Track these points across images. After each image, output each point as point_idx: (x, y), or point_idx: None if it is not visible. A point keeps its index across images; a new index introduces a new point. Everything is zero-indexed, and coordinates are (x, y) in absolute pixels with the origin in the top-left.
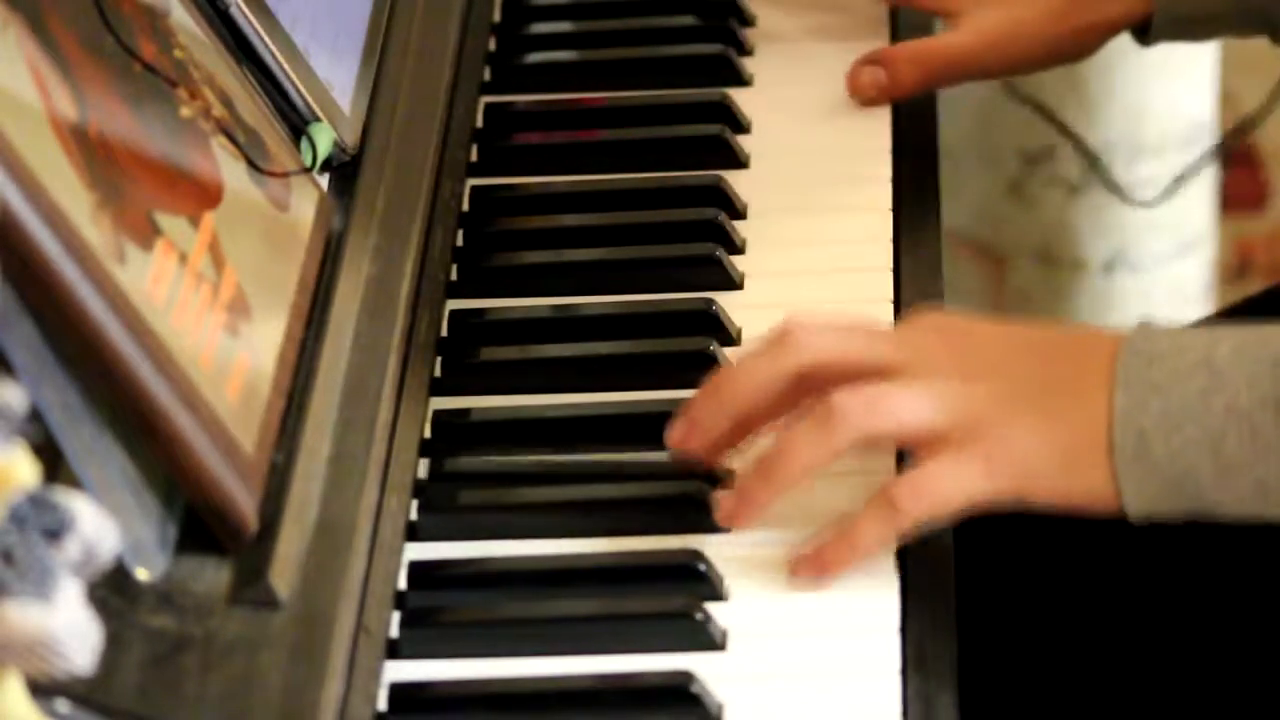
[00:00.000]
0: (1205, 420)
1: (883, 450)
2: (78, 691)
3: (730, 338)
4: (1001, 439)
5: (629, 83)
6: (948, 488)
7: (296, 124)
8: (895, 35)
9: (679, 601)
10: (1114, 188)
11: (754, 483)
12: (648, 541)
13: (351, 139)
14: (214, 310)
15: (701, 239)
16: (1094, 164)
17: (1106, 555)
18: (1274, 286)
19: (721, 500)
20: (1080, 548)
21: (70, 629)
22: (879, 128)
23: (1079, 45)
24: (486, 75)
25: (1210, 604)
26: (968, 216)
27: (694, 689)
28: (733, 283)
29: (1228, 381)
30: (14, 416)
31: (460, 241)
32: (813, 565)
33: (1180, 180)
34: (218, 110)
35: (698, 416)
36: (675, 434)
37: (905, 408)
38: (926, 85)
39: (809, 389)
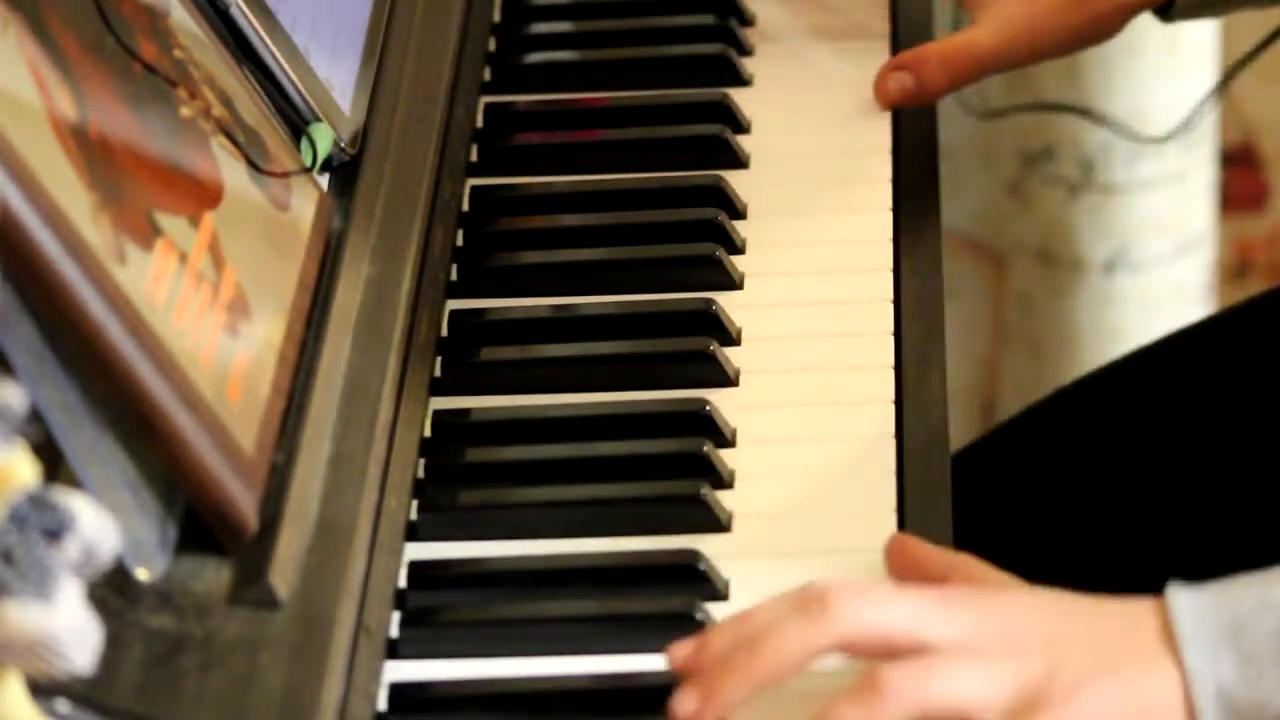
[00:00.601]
0: None
1: None
2: (78, 691)
3: (730, 338)
4: (1073, 709)
5: (629, 83)
6: None
7: (296, 124)
8: (895, 35)
9: (679, 601)
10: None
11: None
12: (648, 541)
13: (351, 139)
14: (214, 310)
15: (701, 239)
16: (1114, 127)
17: (1107, 559)
18: (1274, 287)
19: (682, 695)
20: (1081, 552)
21: (70, 629)
22: (879, 128)
23: (1100, 28)
24: (486, 75)
25: None
26: (968, 216)
27: None
28: (733, 283)
29: None
30: (14, 416)
31: (460, 241)
32: None
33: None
34: (218, 110)
35: (717, 687)
36: (688, 705)
37: (961, 684)
38: (955, 86)
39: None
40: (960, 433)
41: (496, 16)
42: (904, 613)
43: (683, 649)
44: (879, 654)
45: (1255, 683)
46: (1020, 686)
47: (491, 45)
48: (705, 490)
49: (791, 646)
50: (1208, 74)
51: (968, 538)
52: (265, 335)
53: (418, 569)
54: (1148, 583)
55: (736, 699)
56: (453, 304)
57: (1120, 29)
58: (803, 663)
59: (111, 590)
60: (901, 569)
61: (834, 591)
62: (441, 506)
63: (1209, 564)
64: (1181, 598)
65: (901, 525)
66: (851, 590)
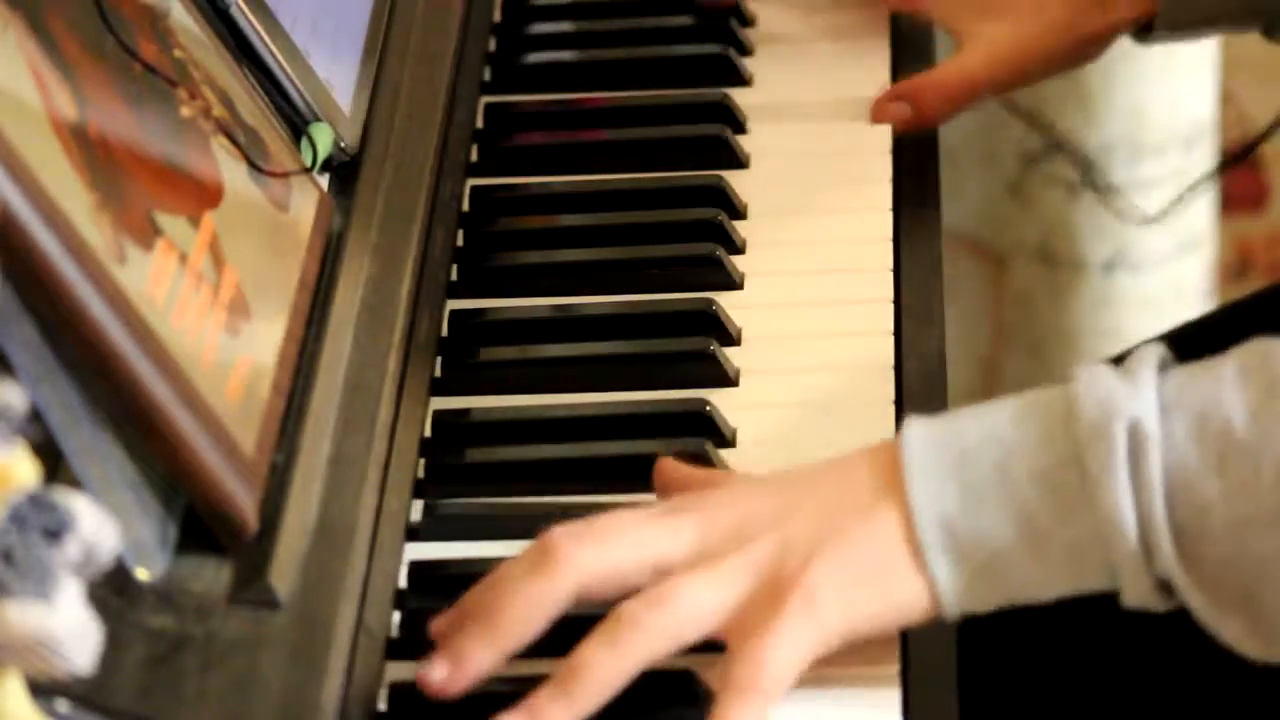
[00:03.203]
0: (1007, 491)
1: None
2: (78, 691)
3: (730, 338)
4: (807, 587)
5: (629, 83)
6: (785, 656)
7: (296, 124)
8: (895, 36)
9: None
10: (1109, 200)
11: (546, 703)
12: None
13: (351, 139)
14: (214, 310)
15: (701, 239)
16: (1087, 173)
17: None
18: (1274, 286)
19: (432, 665)
20: None
21: (70, 629)
22: (879, 128)
23: (1085, 51)
24: (486, 75)
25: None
26: (968, 216)
27: (695, 689)
28: (733, 283)
29: (1021, 448)
30: (14, 416)
31: (460, 241)
32: None
33: (1180, 200)
34: (218, 110)
35: (464, 655)
36: (437, 674)
37: (697, 598)
38: (952, 114)
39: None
40: None
41: (496, 16)
42: (625, 545)
43: (439, 619)
44: (620, 592)
45: (975, 513)
46: (757, 579)
47: (491, 45)
48: None
49: (528, 607)
50: (1208, 74)
51: None
52: (265, 335)
53: (418, 569)
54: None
55: (484, 665)
56: (453, 304)
57: (1105, 51)
58: (544, 619)
59: (111, 590)
60: (663, 492)
61: (560, 541)
62: (441, 506)
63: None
64: (913, 430)
65: None
66: (573, 535)
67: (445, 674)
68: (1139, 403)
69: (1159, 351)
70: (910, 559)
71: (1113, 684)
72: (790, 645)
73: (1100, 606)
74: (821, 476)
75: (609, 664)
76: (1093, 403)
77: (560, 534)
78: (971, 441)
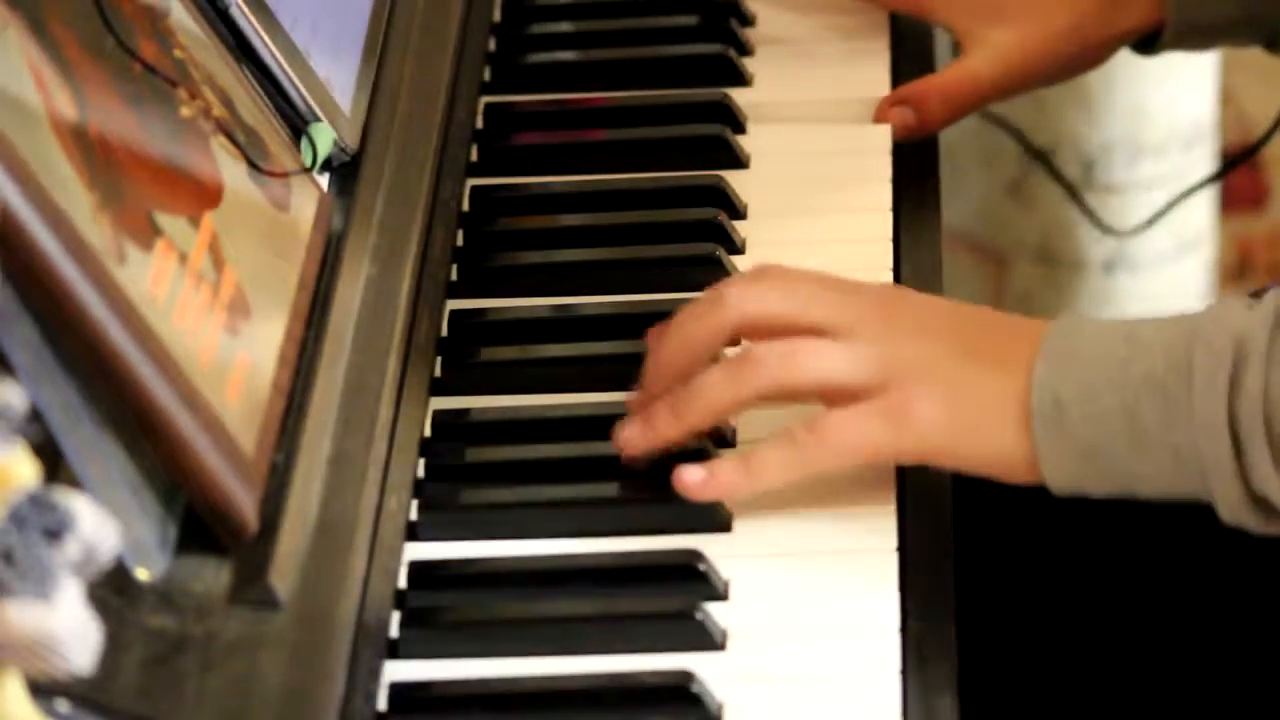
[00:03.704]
0: (1122, 388)
1: (807, 402)
2: (78, 691)
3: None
4: (905, 399)
5: (629, 83)
6: (851, 436)
7: (296, 124)
8: (895, 36)
9: (679, 601)
10: (1092, 216)
11: (662, 416)
12: (648, 541)
13: (351, 139)
14: (214, 310)
15: (701, 239)
16: (1073, 195)
17: (1107, 560)
18: (1274, 282)
19: (624, 425)
20: (1081, 551)
21: (70, 629)
22: (879, 128)
23: (1089, 58)
24: (486, 75)
25: (1210, 613)
26: (968, 216)
27: (694, 688)
28: None
29: (1146, 351)
30: (14, 416)
31: (460, 241)
32: (704, 477)
33: (1159, 215)
34: (218, 110)
35: (649, 385)
36: (626, 432)
37: (821, 362)
38: (954, 119)
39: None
40: None
41: (496, 16)
42: (797, 299)
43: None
44: (770, 335)
45: (1088, 401)
46: (877, 375)
47: (491, 45)
48: None
49: (695, 332)
50: (1208, 74)
51: (968, 529)
52: (265, 335)
53: (418, 569)
54: (1150, 564)
55: (671, 433)
56: (453, 304)
57: (1108, 58)
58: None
59: (111, 590)
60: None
61: (727, 289)
62: (441, 506)
63: (1207, 540)
64: (1064, 320)
65: (902, 524)
66: (739, 286)
67: (634, 432)
68: (1252, 321)
69: None
70: (1018, 420)
71: (1113, 682)
72: (856, 432)
73: (1101, 606)
74: (993, 324)
75: (723, 391)
76: (1212, 319)
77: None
78: (1111, 337)
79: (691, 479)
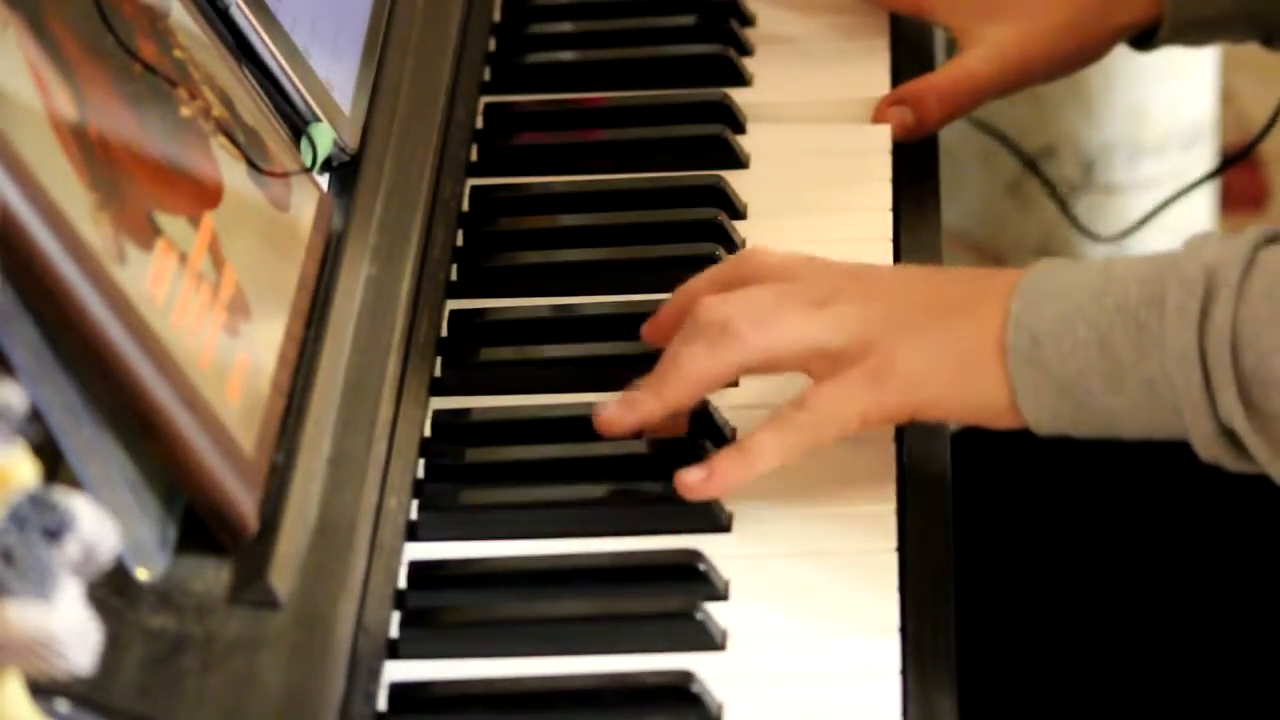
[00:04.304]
0: (1096, 319)
1: (790, 375)
2: (78, 691)
3: None
4: (887, 354)
5: (629, 83)
6: (840, 404)
7: (296, 124)
8: (895, 36)
9: (679, 601)
10: (1077, 223)
11: (643, 394)
12: (648, 541)
13: (351, 139)
14: (214, 310)
15: (701, 239)
16: (1062, 206)
17: (1107, 547)
18: None
19: (605, 404)
20: (1082, 535)
21: (70, 629)
22: (879, 128)
23: (1087, 54)
24: (486, 75)
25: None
26: (968, 216)
27: (694, 689)
28: None
29: (1120, 283)
30: (14, 416)
31: (460, 241)
32: (705, 475)
33: (1148, 218)
34: (218, 110)
35: (636, 399)
36: (607, 410)
37: (801, 329)
38: (953, 117)
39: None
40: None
41: (496, 16)
42: (791, 333)
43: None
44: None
45: (1063, 336)
46: (856, 338)
47: (491, 45)
48: None
49: (698, 381)
50: (1208, 74)
51: (968, 526)
52: (265, 335)
53: (418, 569)
54: (1151, 555)
55: (651, 412)
56: (453, 304)
57: (1106, 54)
58: (708, 391)
59: (111, 590)
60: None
61: (740, 325)
62: (441, 506)
63: (1206, 531)
64: (1041, 262)
65: (902, 524)
66: (752, 322)
67: (614, 411)
68: (1226, 254)
69: (1276, 229)
70: (997, 360)
71: (1114, 685)
72: (844, 399)
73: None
74: (964, 277)
75: (704, 364)
76: (1187, 252)
77: (738, 317)
78: (1087, 273)
79: (693, 479)
